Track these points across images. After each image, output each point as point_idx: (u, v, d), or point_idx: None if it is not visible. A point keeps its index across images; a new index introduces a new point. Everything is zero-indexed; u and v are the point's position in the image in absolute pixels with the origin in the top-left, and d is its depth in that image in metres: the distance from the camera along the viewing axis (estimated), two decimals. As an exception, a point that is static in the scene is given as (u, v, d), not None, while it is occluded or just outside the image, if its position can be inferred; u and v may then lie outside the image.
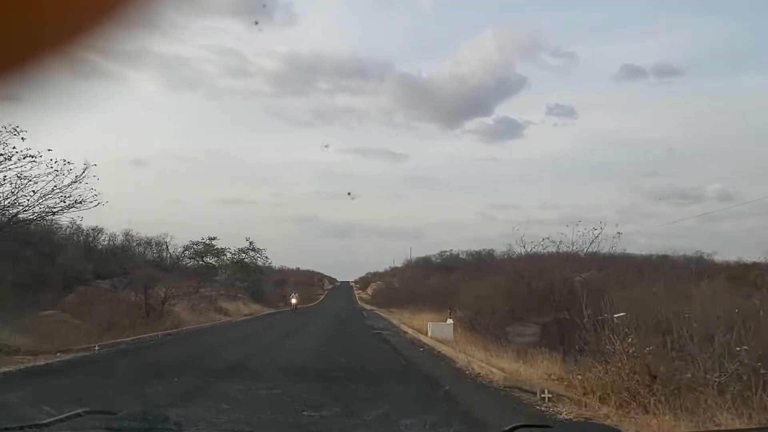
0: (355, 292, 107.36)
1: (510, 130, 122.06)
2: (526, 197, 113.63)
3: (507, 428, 2.19)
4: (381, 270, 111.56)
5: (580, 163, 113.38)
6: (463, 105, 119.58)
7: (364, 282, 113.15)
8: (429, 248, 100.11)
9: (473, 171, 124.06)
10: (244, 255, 41.46)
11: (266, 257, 43.00)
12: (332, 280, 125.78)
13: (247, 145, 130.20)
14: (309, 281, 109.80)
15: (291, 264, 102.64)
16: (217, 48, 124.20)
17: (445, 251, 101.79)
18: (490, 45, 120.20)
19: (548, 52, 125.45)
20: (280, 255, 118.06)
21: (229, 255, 40.66)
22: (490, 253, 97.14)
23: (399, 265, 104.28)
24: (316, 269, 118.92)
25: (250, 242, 42.16)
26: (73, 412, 2.25)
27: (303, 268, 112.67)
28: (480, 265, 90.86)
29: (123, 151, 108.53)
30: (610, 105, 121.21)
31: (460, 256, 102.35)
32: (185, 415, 3.88)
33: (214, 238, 38.81)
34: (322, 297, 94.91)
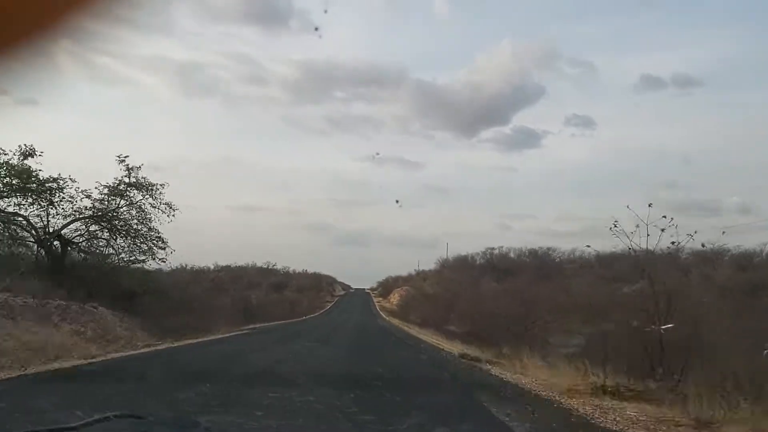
0: (375, 300, 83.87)
1: (528, 139, 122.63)
2: (544, 207, 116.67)
3: None
4: (404, 274, 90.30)
5: (599, 174, 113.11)
6: (479, 114, 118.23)
7: (386, 288, 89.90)
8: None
9: (490, 180, 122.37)
10: (118, 200, 17.83)
11: (171, 208, 18.48)
12: (346, 287, 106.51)
13: (262, 152, 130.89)
14: (315, 285, 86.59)
15: (298, 267, 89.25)
16: (233, 55, 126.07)
17: (492, 249, 79.48)
18: (507, 54, 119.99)
19: (566, 62, 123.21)
20: (292, 262, 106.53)
21: (83, 200, 17.53)
22: (547, 253, 75.83)
23: (427, 268, 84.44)
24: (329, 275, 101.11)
25: (129, 168, 18.33)
26: (102, 416, 2.21)
27: (311, 270, 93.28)
28: (543, 267, 68.55)
29: (140, 156, 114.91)
30: (629, 115, 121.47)
31: (510, 255, 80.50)
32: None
33: (33, 153, 15.76)
34: (329, 306, 71.55)
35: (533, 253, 75.67)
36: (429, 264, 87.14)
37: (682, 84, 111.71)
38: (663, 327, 8.84)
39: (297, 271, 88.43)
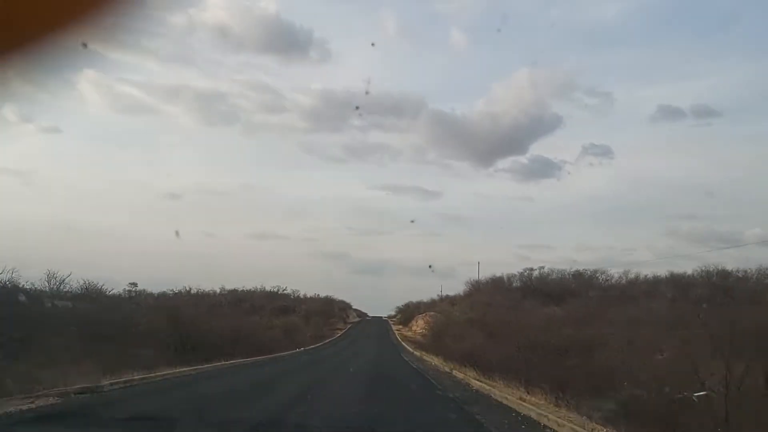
0: (394, 327, 72.66)
1: (545, 169, 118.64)
2: (561, 238, 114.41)
3: None
4: (426, 300, 79.91)
5: (617, 205, 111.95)
6: (497, 143, 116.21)
7: (406, 315, 78.70)
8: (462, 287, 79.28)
9: (507, 210, 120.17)
10: None
11: None
12: (361, 314, 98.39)
13: (280, 180, 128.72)
14: (326, 311, 75.83)
15: (309, 291, 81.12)
16: (253, 84, 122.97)
17: (531, 269, 69.06)
18: (525, 84, 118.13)
19: (584, 92, 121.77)
20: (308, 289, 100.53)
21: None
22: (594, 275, 65.57)
23: (451, 293, 73.43)
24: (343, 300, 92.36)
25: None
26: None
27: (322, 295, 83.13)
28: (594, 289, 59.06)
29: (159, 184, 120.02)
30: (647, 146, 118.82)
31: (552, 276, 70.05)
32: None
33: None
34: (339, 334, 60.66)
35: (578, 275, 64.86)
36: (450, 290, 77.17)
37: (701, 114, 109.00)
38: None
39: (308, 296, 78.50)
